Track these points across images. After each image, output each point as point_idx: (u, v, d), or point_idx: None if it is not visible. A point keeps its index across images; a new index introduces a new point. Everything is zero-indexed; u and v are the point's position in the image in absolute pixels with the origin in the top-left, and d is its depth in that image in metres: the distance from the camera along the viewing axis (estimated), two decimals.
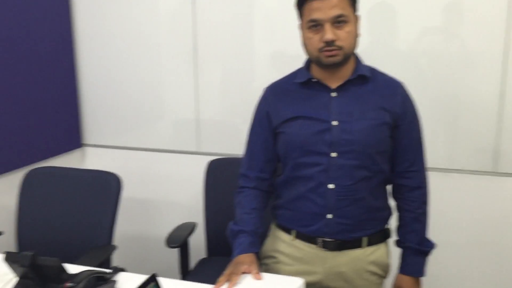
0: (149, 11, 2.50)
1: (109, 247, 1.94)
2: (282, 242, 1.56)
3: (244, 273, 1.40)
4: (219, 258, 2.18)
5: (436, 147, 2.13)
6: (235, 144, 2.44)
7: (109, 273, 1.49)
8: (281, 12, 2.27)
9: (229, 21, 2.38)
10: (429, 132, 1.56)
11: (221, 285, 1.37)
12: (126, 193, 2.14)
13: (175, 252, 2.12)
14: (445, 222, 2.17)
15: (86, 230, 1.98)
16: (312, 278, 1.49)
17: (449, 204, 2.19)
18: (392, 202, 1.59)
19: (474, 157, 2.15)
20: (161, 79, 2.56)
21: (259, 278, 1.39)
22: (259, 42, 2.36)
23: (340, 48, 1.37)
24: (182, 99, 2.53)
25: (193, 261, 2.21)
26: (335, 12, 1.34)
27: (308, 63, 1.51)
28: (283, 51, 2.32)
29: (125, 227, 2.40)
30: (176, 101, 2.55)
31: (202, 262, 2.21)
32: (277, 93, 1.53)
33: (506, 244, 2.18)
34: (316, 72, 1.47)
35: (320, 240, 1.48)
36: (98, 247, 1.93)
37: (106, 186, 2.00)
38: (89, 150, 2.77)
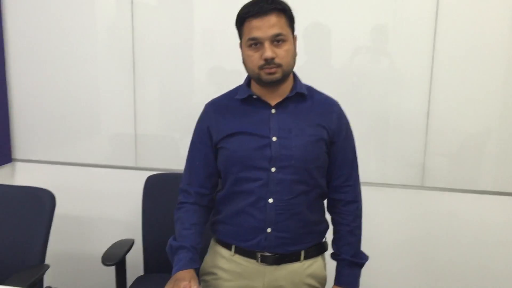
0: (87, 24, 2.45)
1: (41, 267, 1.85)
2: (222, 258, 1.57)
3: None
4: (156, 275, 2.16)
5: (368, 163, 2.23)
6: (174, 159, 2.44)
7: None
8: (219, 29, 2.30)
9: (168, 36, 2.39)
10: (361, 148, 1.63)
11: None
12: (60, 210, 2.06)
13: (111, 270, 2.06)
14: (377, 233, 2.27)
15: (17, 249, 1.89)
16: None
17: (380, 216, 2.29)
18: (328, 216, 1.64)
19: (403, 173, 2.27)
20: (98, 92, 2.50)
21: None
22: (198, 58, 2.38)
23: (279, 65, 1.41)
24: (120, 113, 2.49)
25: (130, 279, 2.16)
26: (274, 31, 1.38)
27: (249, 80, 1.54)
28: (221, 67, 2.35)
29: (58, 245, 2.31)
30: (113, 116, 2.50)
31: (139, 280, 2.17)
32: (217, 109, 1.55)
33: (433, 253, 2.31)
34: (256, 89, 1.51)
35: (259, 254, 1.50)
36: (30, 266, 1.84)
37: (39, 203, 1.92)
38: (20, 165, 2.65)
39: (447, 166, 2.24)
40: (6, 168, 2.61)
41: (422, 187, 2.27)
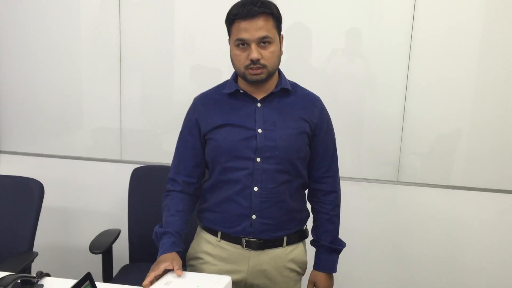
0: (74, 18, 2.50)
1: (30, 254, 1.90)
2: (208, 244, 1.64)
3: (166, 270, 1.44)
4: (141, 264, 2.21)
5: (344, 160, 2.32)
6: (156, 153, 2.50)
7: (34, 277, 1.49)
8: (201, 27, 2.37)
9: (151, 34, 2.44)
10: (338, 146, 1.71)
11: (148, 284, 1.40)
12: (46, 202, 2.09)
13: (97, 260, 2.12)
14: (353, 224, 2.37)
15: (6, 236, 1.94)
16: (237, 277, 1.59)
17: (357, 208, 2.39)
18: (308, 206, 1.74)
19: (379, 169, 2.38)
20: (84, 87, 2.55)
21: (180, 274, 1.42)
22: (179, 56, 2.44)
23: (264, 66, 1.49)
24: (106, 108, 2.54)
25: (116, 268, 2.22)
26: (261, 33, 1.46)
27: (236, 75, 1.62)
28: (202, 66, 2.42)
29: (45, 235, 2.35)
30: (99, 110, 2.55)
31: (124, 268, 2.23)
32: (206, 103, 1.63)
33: (406, 243, 2.43)
34: (243, 84, 1.59)
35: (244, 240, 1.59)
36: (19, 253, 1.89)
37: (28, 192, 1.97)
38: (5, 157, 2.67)
39: (421, 164, 2.36)
40: None
41: (397, 182, 2.38)
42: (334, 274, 1.73)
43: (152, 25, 2.44)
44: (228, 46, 1.54)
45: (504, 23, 2.18)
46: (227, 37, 1.54)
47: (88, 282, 1.17)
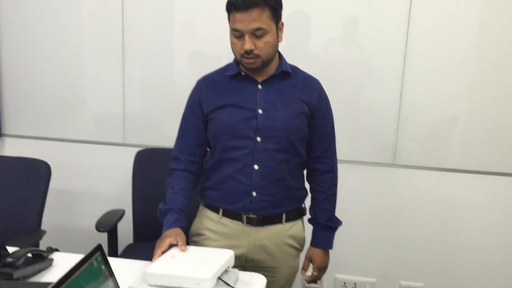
0: (77, 4, 2.53)
1: (39, 231, 1.97)
2: (210, 220, 1.71)
3: (171, 245, 1.50)
4: (145, 243, 2.28)
5: (341, 146, 2.37)
6: (158, 137, 2.56)
7: (45, 252, 1.55)
8: (200, 15, 2.41)
9: (153, 21, 2.48)
10: (336, 129, 1.77)
11: (157, 257, 1.46)
12: (51, 184, 2.12)
13: (103, 239, 2.17)
14: (350, 205, 2.43)
15: (14, 215, 2.00)
16: (238, 252, 1.64)
17: (353, 190, 2.45)
18: (307, 185, 1.80)
19: (376, 154, 2.43)
20: (88, 74, 2.59)
21: (184, 249, 1.49)
22: (179, 43, 2.48)
23: (257, 56, 1.54)
24: (110, 93, 2.58)
25: (120, 247, 2.28)
26: (255, 25, 1.50)
27: None
28: (201, 52, 2.46)
29: (51, 216, 2.38)
30: (103, 95, 2.60)
31: (129, 247, 2.29)
32: (209, 84, 1.68)
33: (401, 224, 2.50)
34: (244, 67, 1.64)
35: (244, 216, 1.65)
36: (27, 231, 1.95)
37: (35, 172, 2.03)
38: (9, 141, 2.73)
39: (417, 149, 2.41)
40: None
41: (394, 165, 2.44)
42: (330, 251, 1.80)
43: (153, 11, 2.47)
44: (227, 33, 1.59)
45: (501, 9, 2.22)
46: (226, 25, 1.58)
47: (99, 253, 1.21)
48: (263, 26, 1.51)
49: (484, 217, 2.43)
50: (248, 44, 1.51)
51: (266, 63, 1.58)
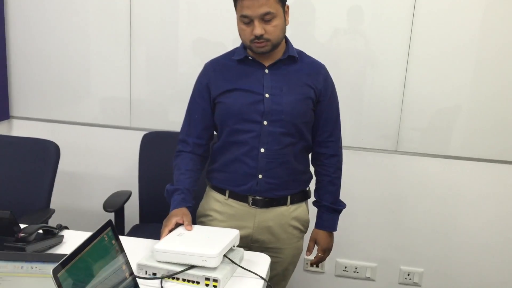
0: None
1: (48, 210, 2.01)
2: (217, 202, 1.75)
3: (178, 224, 1.53)
4: (151, 224, 2.33)
5: (345, 133, 2.39)
6: (163, 121, 2.59)
7: (55, 228, 1.59)
8: (205, 0, 2.42)
9: (160, 6, 2.49)
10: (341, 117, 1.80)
11: (164, 235, 1.50)
12: (59, 166, 2.15)
13: (110, 219, 2.22)
14: (353, 191, 2.46)
15: (24, 194, 2.04)
16: (243, 232, 1.68)
17: (356, 176, 2.48)
18: (311, 169, 1.83)
19: (379, 140, 2.46)
20: (95, 56, 2.61)
21: (189, 229, 1.52)
22: (184, 29, 2.50)
23: (268, 40, 1.57)
24: (117, 77, 2.61)
25: (127, 228, 2.33)
26: (263, 10, 1.52)
27: None
28: (205, 39, 2.48)
29: (59, 197, 2.43)
30: (110, 79, 2.62)
31: (135, 228, 2.34)
32: (216, 68, 1.71)
33: (404, 210, 2.53)
34: (251, 52, 1.66)
35: (250, 198, 1.69)
36: (37, 210, 2.00)
37: (45, 152, 2.07)
38: (17, 122, 2.76)
39: (420, 137, 2.43)
40: (4, 124, 2.72)
41: (396, 152, 2.47)
42: (334, 234, 1.84)
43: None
44: (233, 20, 1.61)
45: None
46: (231, 11, 1.60)
47: (109, 228, 1.24)
48: (272, 10, 1.53)
49: (485, 204, 2.46)
50: (258, 29, 1.53)
51: (275, 46, 1.60)
